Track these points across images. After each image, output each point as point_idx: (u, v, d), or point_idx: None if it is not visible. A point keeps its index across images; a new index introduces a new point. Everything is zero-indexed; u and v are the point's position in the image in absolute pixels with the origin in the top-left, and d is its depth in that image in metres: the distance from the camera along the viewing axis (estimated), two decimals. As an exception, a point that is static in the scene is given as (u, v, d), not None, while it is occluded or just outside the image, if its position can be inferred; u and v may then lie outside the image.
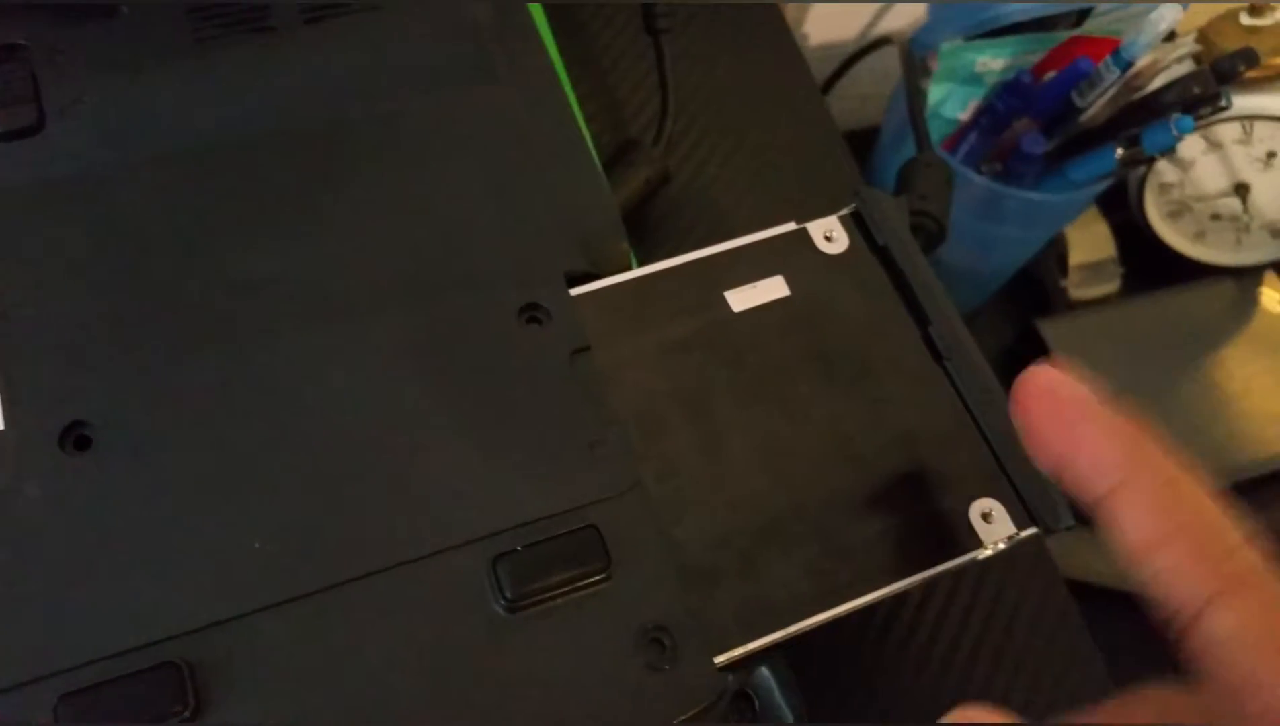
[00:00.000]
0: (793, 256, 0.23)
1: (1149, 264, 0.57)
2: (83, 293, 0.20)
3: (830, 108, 0.59)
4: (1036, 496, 0.21)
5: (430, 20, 0.24)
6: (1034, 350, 0.53)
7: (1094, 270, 0.55)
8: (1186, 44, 0.42)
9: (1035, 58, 0.42)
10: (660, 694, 0.18)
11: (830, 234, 0.23)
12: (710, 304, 0.22)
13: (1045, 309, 0.55)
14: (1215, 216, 0.56)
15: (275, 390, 0.19)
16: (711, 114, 0.34)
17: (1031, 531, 0.21)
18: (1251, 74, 0.50)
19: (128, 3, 0.23)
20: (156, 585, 0.17)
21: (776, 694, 0.19)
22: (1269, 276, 0.59)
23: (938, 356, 0.22)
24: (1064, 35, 0.41)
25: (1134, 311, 0.55)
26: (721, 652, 0.19)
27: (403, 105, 0.23)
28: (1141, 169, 0.53)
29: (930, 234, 0.32)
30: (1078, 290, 0.54)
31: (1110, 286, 0.55)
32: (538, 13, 0.29)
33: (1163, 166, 0.54)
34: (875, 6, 0.48)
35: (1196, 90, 0.38)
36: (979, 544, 0.20)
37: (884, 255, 0.23)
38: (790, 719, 0.20)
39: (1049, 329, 0.52)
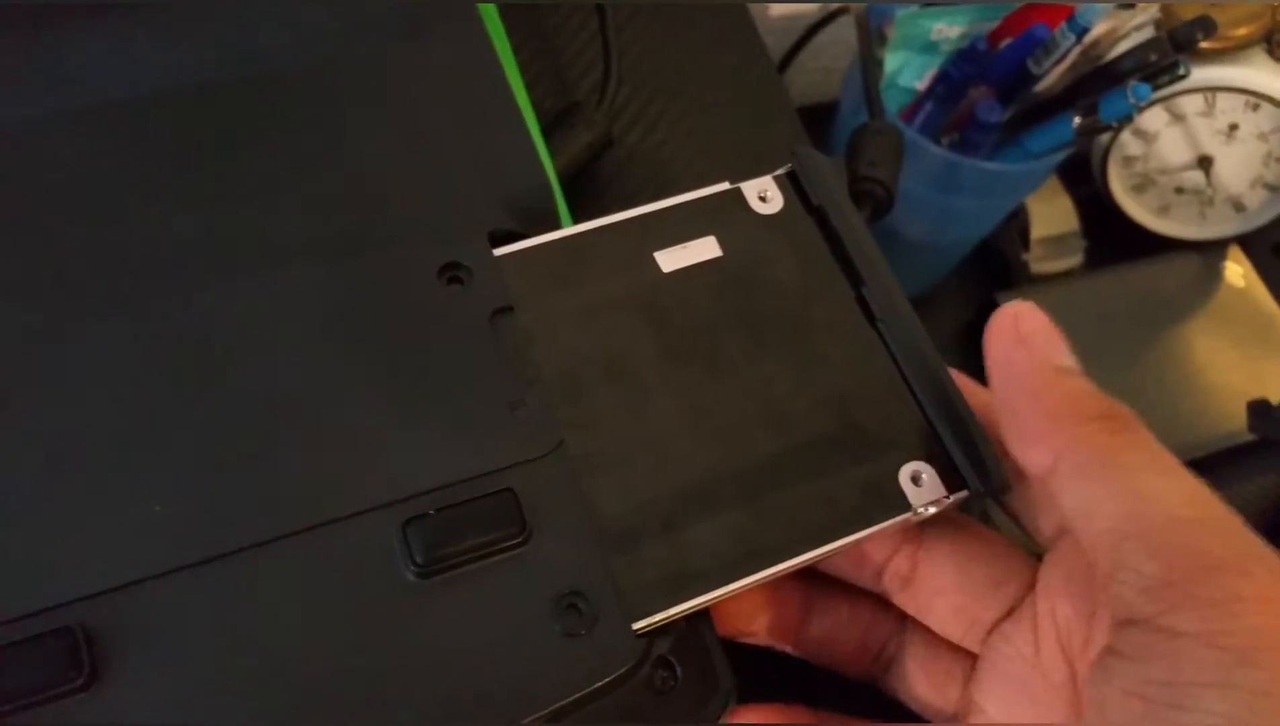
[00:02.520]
0: (726, 217, 0.22)
1: (1113, 238, 0.57)
2: (-17, 250, 0.19)
3: (792, 81, 0.59)
4: (968, 459, 0.20)
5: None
6: (995, 324, 0.53)
7: (1056, 244, 0.54)
8: (1148, 11, 0.42)
9: (992, 25, 0.41)
10: (576, 660, 0.18)
11: (765, 194, 0.23)
12: (639, 264, 0.22)
13: (1007, 283, 0.55)
14: (1179, 190, 0.56)
15: (182, 349, 0.19)
16: (659, 78, 0.33)
17: (962, 494, 0.20)
18: (1214, 45, 0.50)
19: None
20: (50, 548, 0.17)
21: (699, 660, 0.19)
22: (1233, 250, 0.59)
23: (871, 318, 0.22)
24: (1020, 1, 0.41)
25: (1096, 285, 0.54)
26: (642, 618, 0.18)
27: (324, 60, 0.22)
28: (1105, 142, 0.53)
29: (878, 200, 0.32)
30: (1040, 264, 0.54)
31: (1073, 260, 0.55)
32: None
33: (1126, 139, 0.54)
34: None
35: (1154, 57, 0.38)
36: (908, 506, 0.20)
37: (819, 216, 0.23)
38: (714, 686, 0.19)
39: (1009, 302, 0.52)
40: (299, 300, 0.19)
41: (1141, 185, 0.56)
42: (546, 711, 0.17)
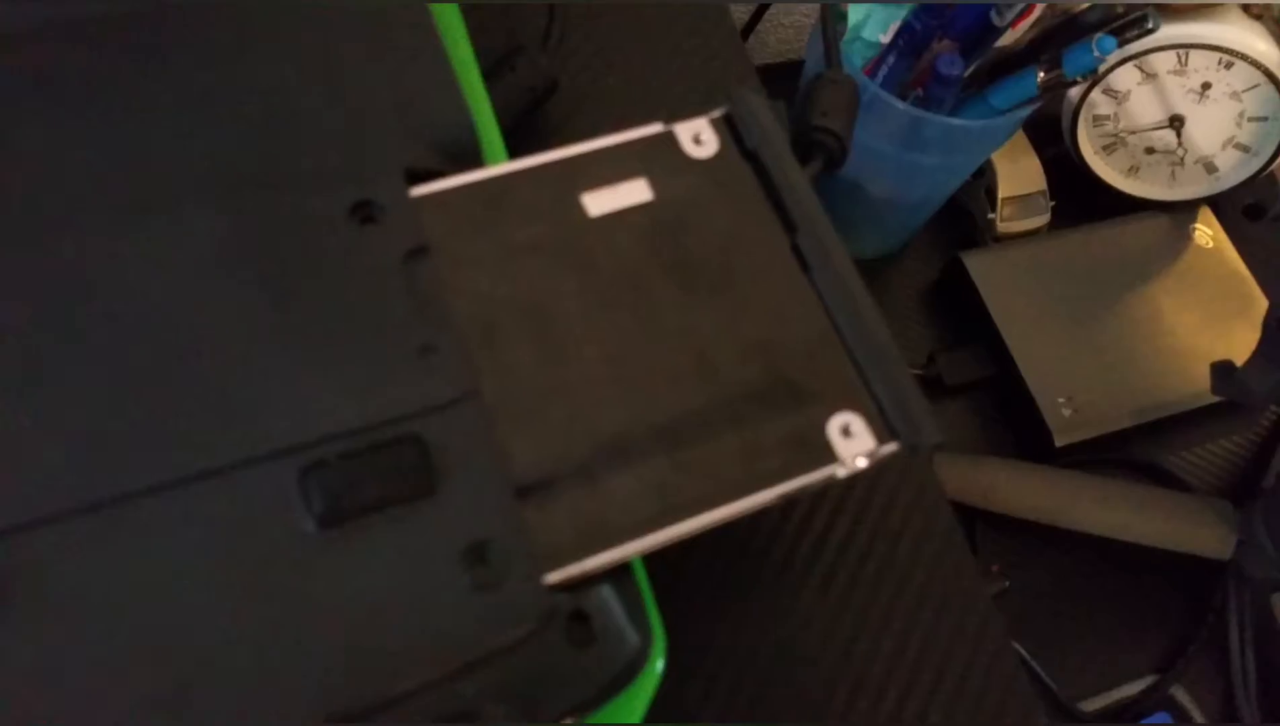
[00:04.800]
0: (657, 159, 0.22)
1: (1081, 198, 0.56)
2: None
3: (765, 38, 0.58)
4: (900, 412, 0.20)
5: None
6: (959, 282, 0.52)
7: (1023, 203, 0.54)
8: (1115, -37, 0.41)
9: (957, -25, 0.40)
10: (484, 614, 0.17)
11: (699, 136, 0.22)
12: (565, 207, 0.21)
13: (974, 243, 0.54)
14: (1149, 150, 0.55)
15: (77, 289, 0.18)
16: (609, 23, 0.32)
17: (893, 447, 0.20)
18: (1187, 1, 0.49)
19: None
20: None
21: (618, 615, 0.19)
22: (1202, 212, 0.58)
23: (805, 266, 0.21)
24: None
25: (1061, 244, 0.54)
26: (554, 570, 0.18)
27: (233, -13, 0.21)
28: (1075, 100, 0.52)
29: (831, 151, 0.31)
30: (1006, 224, 0.53)
31: (1040, 220, 0.54)
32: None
33: (1096, 98, 0.53)
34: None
35: (1120, 10, 0.37)
36: (836, 458, 0.19)
37: (755, 161, 0.22)
38: (635, 642, 0.19)
39: (972, 261, 0.52)
40: (201, 239, 0.19)
41: (1111, 145, 0.55)
42: (454, 666, 0.17)
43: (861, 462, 0.20)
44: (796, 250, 0.21)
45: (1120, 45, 0.39)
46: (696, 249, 0.21)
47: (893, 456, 0.20)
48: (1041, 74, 0.39)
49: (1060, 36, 0.39)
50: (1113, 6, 0.37)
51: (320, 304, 0.19)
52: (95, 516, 0.16)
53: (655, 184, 0.21)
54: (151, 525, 0.16)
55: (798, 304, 0.21)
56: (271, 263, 0.19)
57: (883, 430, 0.20)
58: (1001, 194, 0.54)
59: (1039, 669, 0.45)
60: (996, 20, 0.38)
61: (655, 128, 0.22)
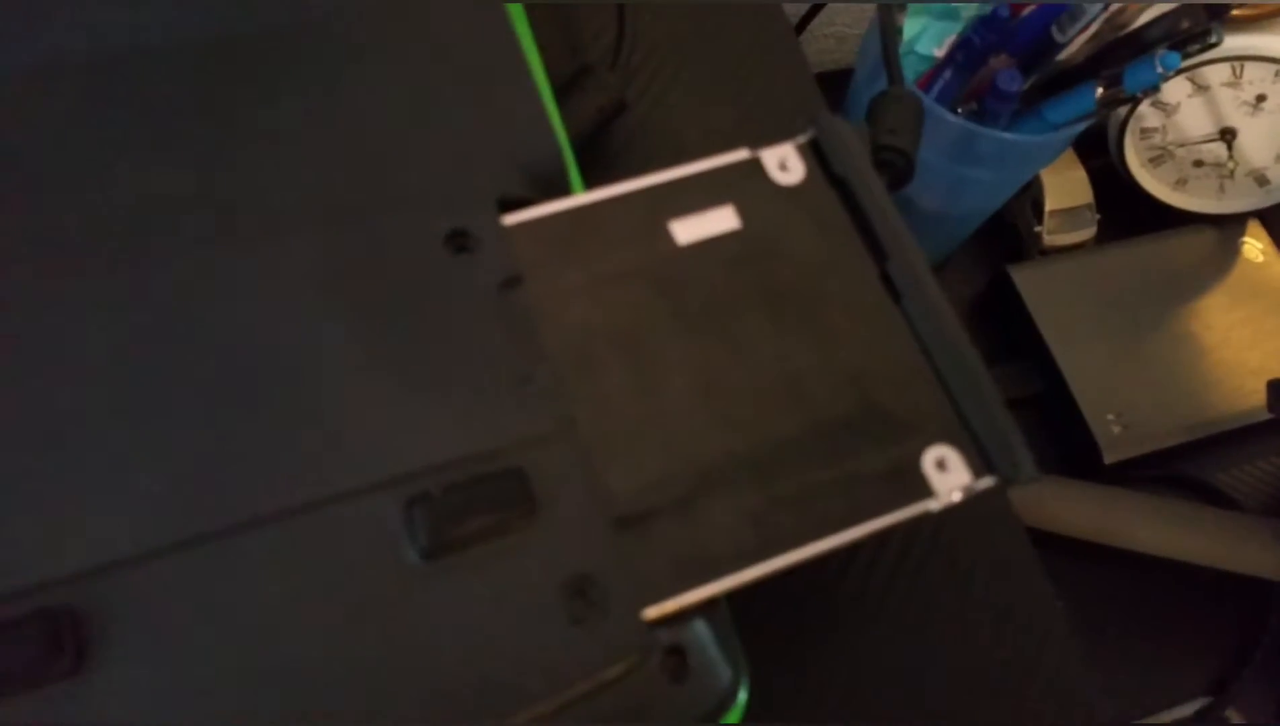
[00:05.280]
0: (744, 186, 0.21)
1: (1127, 211, 0.56)
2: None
3: (806, 48, 0.58)
4: (996, 445, 0.19)
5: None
6: (1005, 297, 0.52)
7: (1069, 216, 0.53)
8: (1175, -22, 0.40)
9: (1015, -9, 0.40)
10: (584, 647, 0.17)
11: (785, 163, 0.22)
12: (654, 235, 0.21)
13: (1019, 256, 0.54)
14: (1198, 163, 0.55)
15: (177, 316, 0.18)
16: (673, 42, 0.32)
17: (989, 481, 0.19)
18: (1244, 13, 0.48)
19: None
20: (33, 525, 0.16)
21: (712, 649, 0.18)
22: (1252, 225, 0.58)
23: (895, 295, 0.21)
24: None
25: (1109, 258, 0.53)
26: (652, 605, 0.17)
27: (328, 17, 0.21)
28: (1122, 113, 0.52)
29: (898, 170, 0.31)
30: (1052, 236, 0.53)
31: (1086, 233, 0.54)
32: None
33: (1145, 111, 0.52)
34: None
35: (1185, 24, 0.37)
36: (931, 493, 0.19)
37: (842, 187, 0.22)
38: (728, 676, 0.19)
39: (1020, 275, 0.51)
40: (298, 268, 0.19)
41: (1159, 157, 0.55)
42: (552, 701, 0.17)
43: (957, 496, 0.19)
44: (886, 278, 0.21)
45: (1185, 59, 0.39)
46: (786, 277, 0.21)
47: (992, 490, 0.20)
48: (1100, 90, 0.38)
49: (1121, 51, 0.39)
50: (1177, 21, 0.37)
51: (417, 333, 0.18)
52: (191, 552, 0.16)
53: (743, 211, 0.21)
54: (250, 561, 0.16)
55: (889, 333, 0.20)
56: (368, 292, 0.19)
57: (978, 463, 0.19)
58: (1048, 207, 0.53)
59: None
60: (1058, 36, 0.38)
61: (742, 154, 0.22)
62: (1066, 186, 0.54)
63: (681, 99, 0.31)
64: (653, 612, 0.17)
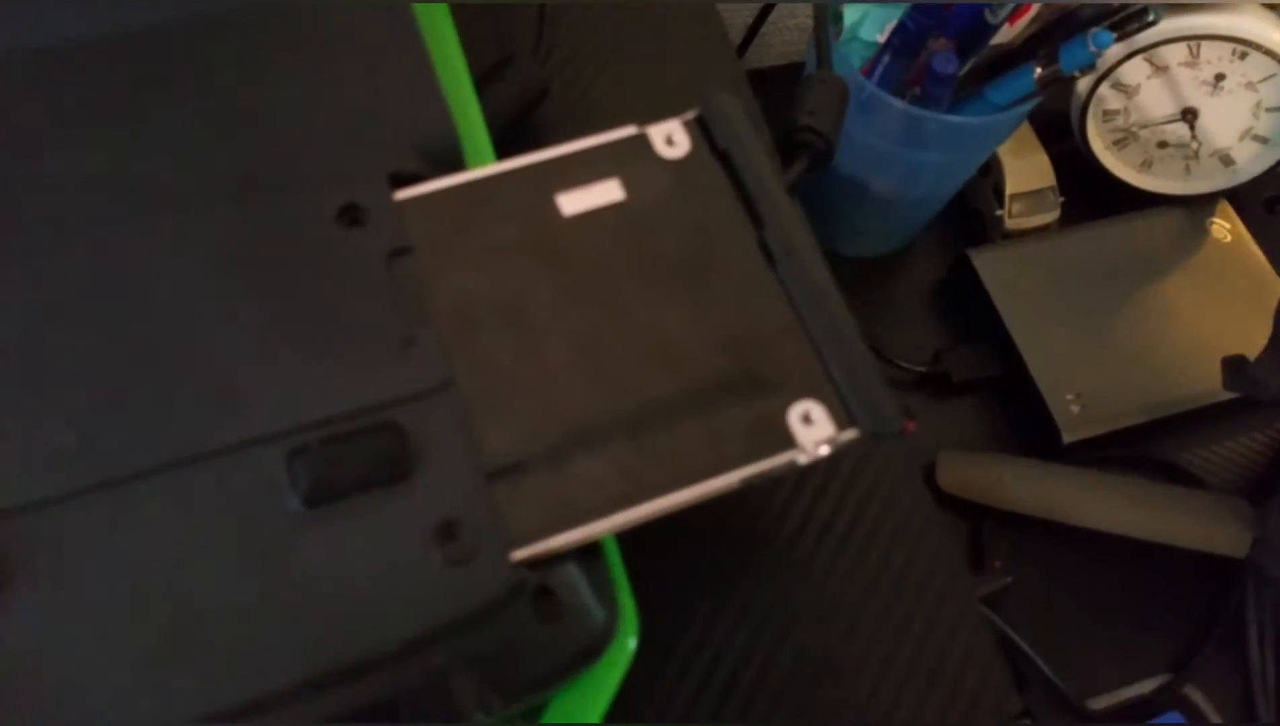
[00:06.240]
0: (631, 161, 0.23)
1: (1094, 195, 0.56)
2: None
3: (770, 40, 0.59)
4: (859, 399, 0.20)
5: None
6: (966, 280, 0.53)
7: (1032, 200, 0.54)
8: (1112, -40, 0.41)
9: (951, -25, 0.41)
10: (454, 587, 0.18)
11: (671, 137, 0.23)
12: (541, 207, 0.22)
13: (983, 240, 0.55)
14: (1162, 144, 0.55)
15: (88, 281, 0.19)
16: (598, 30, 0.33)
17: (852, 433, 0.20)
18: (1195, -4, 0.49)
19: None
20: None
21: (584, 591, 0.20)
22: (1222, 206, 0.58)
23: (771, 260, 0.22)
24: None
25: (1072, 241, 0.54)
26: (520, 548, 0.19)
27: (237, 11, 0.22)
28: (1082, 95, 0.52)
29: (817, 150, 0.32)
30: (1015, 220, 0.54)
31: (1049, 216, 0.54)
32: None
33: (1106, 93, 0.53)
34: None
35: (1117, 3, 0.37)
36: (796, 445, 0.20)
37: (725, 160, 0.23)
38: (601, 618, 0.20)
39: (980, 258, 0.52)
40: (197, 239, 0.20)
41: (1123, 140, 0.55)
42: (425, 634, 0.18)
43: (823, 449, 0.20)
44: (763, 245, 0.22)
45: (1121, 39, 0.40)
46: (666, 245, 0.22)
47: (856, 443, 0.21)
48: (1039, 70, 0.39)
49: (1057, 32, 0.40)
50: (1109, 2, 0.37)
51: (308, 300, 0.20)
52: (96, 497, 0.18)
53: (628, 184, 0.22)
54: (148, 504, 0.18)
55: (763, 296, 0.21)
56: (263, 262, 0.20)
57: (843, 417, 0.20)
58: (1009, 190, 0.54)
59: (1045, 667, 0.45)
60: (990, 18, 0.38)
61: (629, 130, 0.23)
62: (1027, 170, 0.54)
63: (608, 88, 0.32)
64: (520, 554, 0.19)
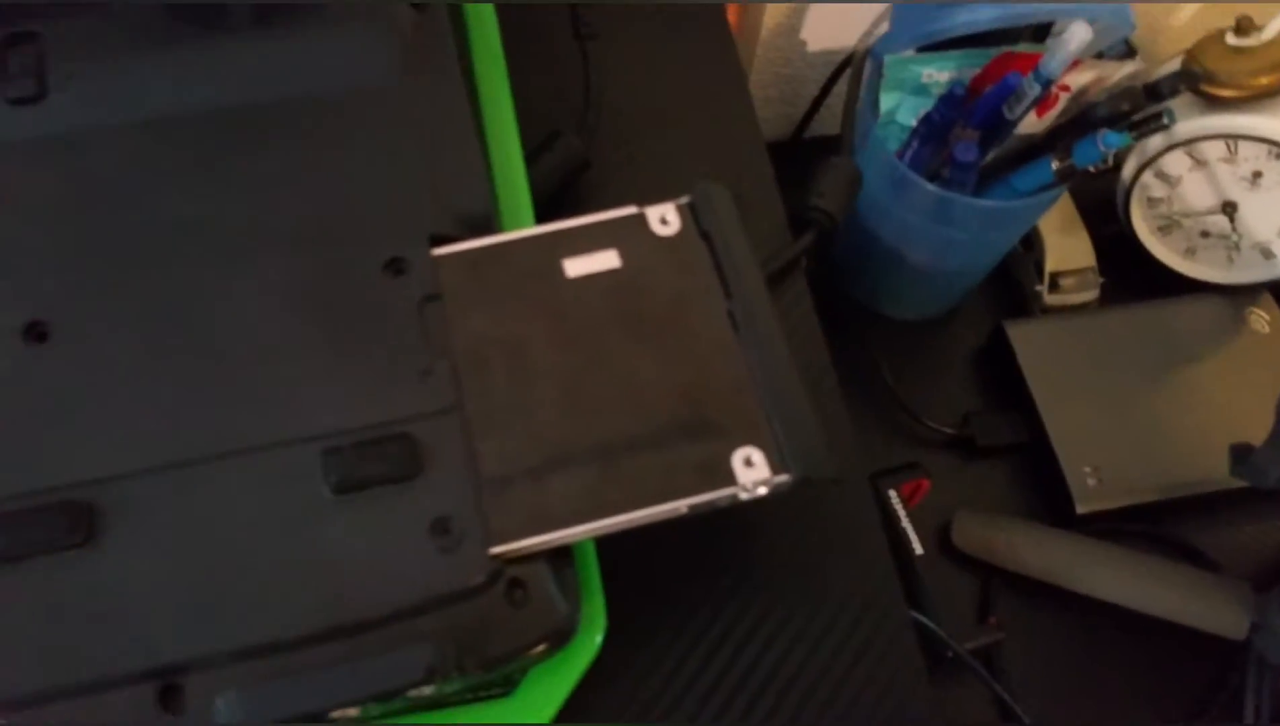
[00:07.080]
0: (630, 235, 0.27)
1: (1141, 278, 0.58)
2: (52, 223, 0.26)
3: (825, 114, 0.62)
4: (794, 449, 0.24)
5: (358, 21, 0.29)
6: (1002, 350, 0.55)
7: (1072, 278, 0.56)
8: (1136, 63, 0.44)
9: (976, 71, 0.44)
10: (442, 569, 0.23)
11: (665, 218, 0.27)
12: (549, 269, 0.27)
13: (1025, 313, 0.57)
14: (1205, 233, 0.57)
15: (184, 305, 0.25)
16: (638, 105, 0.38)
17: (785, 478, 0.24)
18: (1235, 93, 0.51)
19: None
20: (71, 444, 0.23)
21: (550, 586, 0.24)
22: (1264, 297, 0.59)
23: (735, 327, 0.26)
24: (999, 50, 0.43)
25: (1110, 320, 0.56)
26: (498, 545, 0.23)
27: (318, 92, 0.28)
28: (1126, 182, 0.54)
29: (822, 227, 0.36)
30: (1054, 296, 0.56)
31: (1088, 295, 0.56)
32: (488, 11, 0.34)
33: (1149, 180, 0.55)
34: (876, 9, 0.50)
35: (1126, 107, 0.40)
36: (737, 483, 0.24)
37: (709, 240, 0.27)
38: (564, 610, 0.24)
39: (1014, 330, 0.54)
40: (271, 277, 0.25)
41: (1167, 226, 0.57)
42: (415, 603, 0.23)
43: (761, 489, 0.24)
44: (730, 313, 0.26)
45: (1138, 139, 0.42)
46: (649, 307, 0.26)
47: (790, 485, 0.25)
48: (1056, 162, 0.42)
49: (1074, 128, 0.43)
50: (1118, 103, 0.40)
51: (352, 332, 0.25)
52: (174, 473, 0.23)
53: (624, 254, 0.27)
54: (212, 482, 0.23)
55: (723, 356, 0.26)
56: (321, 300, 0.25)
57: (778, 464, 0.24)
58: (1049, 267, 0.56)
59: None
60: (1008, 113, 0.42)
61: (630, 210, 0.28)
62: (1069, 249, 0.56)
63: (644, 159, 0.37)
64: (498, 550, 0.23)
